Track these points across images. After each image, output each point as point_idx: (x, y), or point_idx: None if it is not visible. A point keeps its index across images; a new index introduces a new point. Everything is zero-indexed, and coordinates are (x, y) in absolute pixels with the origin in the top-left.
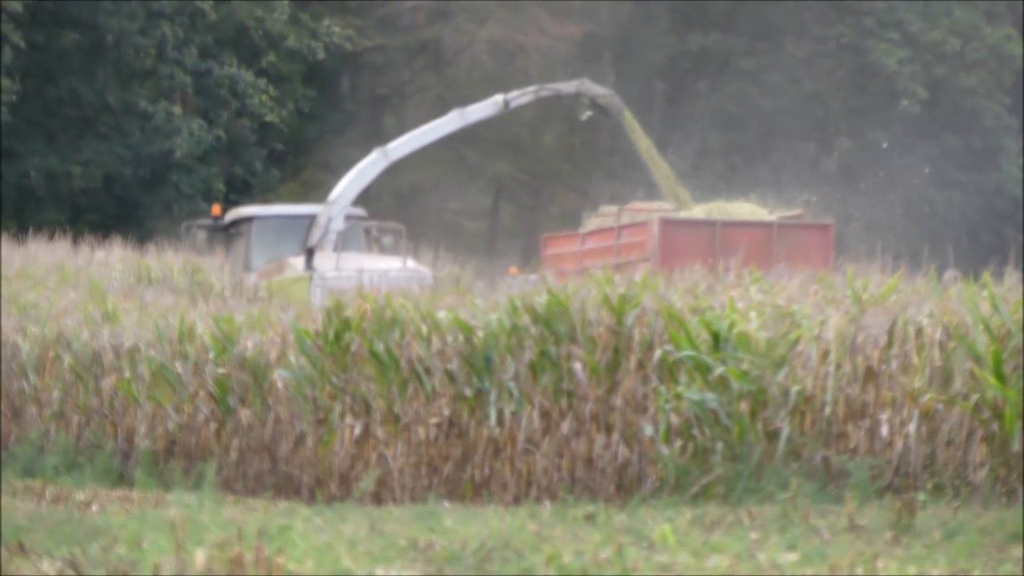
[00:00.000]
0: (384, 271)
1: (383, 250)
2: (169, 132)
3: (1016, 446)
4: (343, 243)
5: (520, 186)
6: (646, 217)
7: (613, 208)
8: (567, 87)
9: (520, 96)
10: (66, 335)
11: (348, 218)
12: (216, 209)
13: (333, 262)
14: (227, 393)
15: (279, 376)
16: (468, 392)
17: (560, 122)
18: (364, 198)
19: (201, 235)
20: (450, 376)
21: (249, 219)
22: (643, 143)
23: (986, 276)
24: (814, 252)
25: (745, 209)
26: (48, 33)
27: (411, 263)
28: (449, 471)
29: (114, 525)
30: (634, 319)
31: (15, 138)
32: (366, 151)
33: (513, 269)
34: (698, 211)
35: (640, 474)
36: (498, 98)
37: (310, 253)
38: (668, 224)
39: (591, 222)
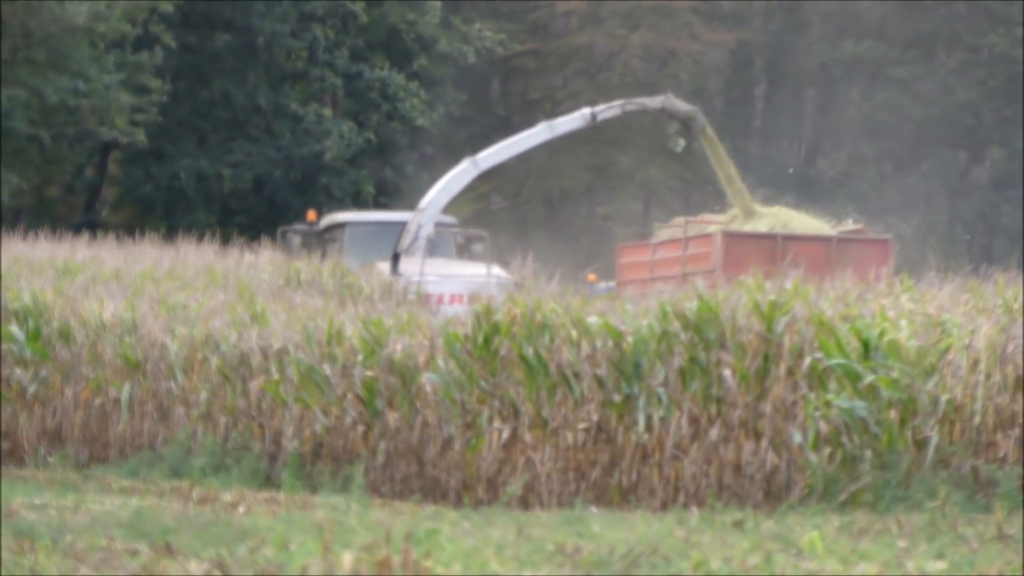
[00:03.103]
0: (469, 276)
1: (472, 256)
2: (319, 135)
3: None
4: (432, 249)
5: (670, 192)
6: (712, 229)
7: (683, 219)
8: (652, 102)
9: (607, 109)
10: (214, 336)
11: (438, 225)
12: (311, 215)
13: (418, 267)
14: (375, 396)
15: (427, 379)
16: (617, 397)
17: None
18: (513, 200)
19: (296, 240)
20: (599, 381)
21: (343, 225)
22: (722, 162)
23: None
24: (873, 265)
25: (807, 222)
26: (200, 34)
27: (495, 269)
28: (597, 476)
29: (261, 527)
30: (784, 326)
31: (166, 139)
32: (517, 156)
33: (591, 276)
34: (764, 220)
35: (788, 481)
36: (585, 111)
37: (396, 258)
38: (731, 237)
39: (662, 233)
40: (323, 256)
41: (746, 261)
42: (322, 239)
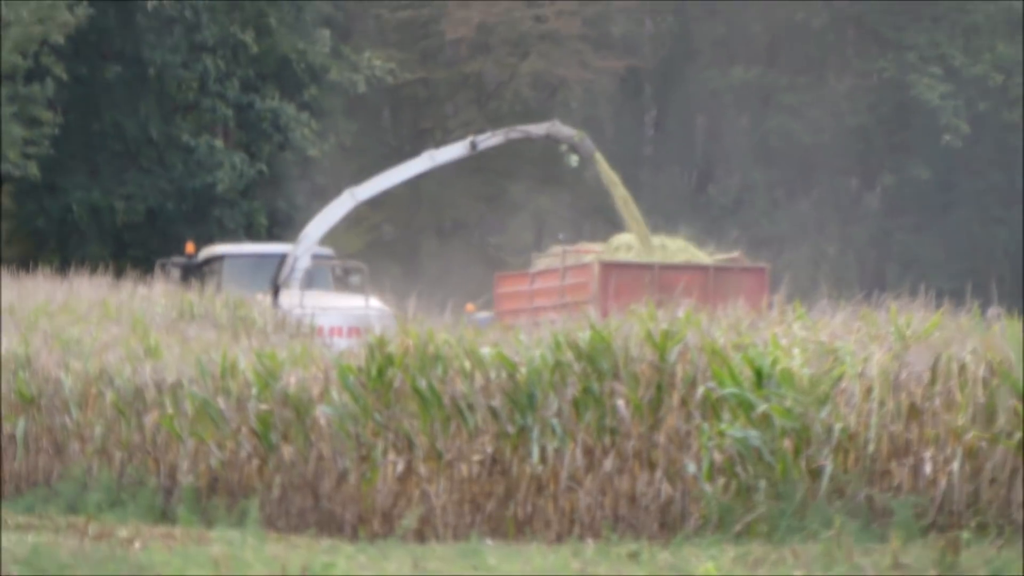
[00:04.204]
0: (347, 309)
1: (349, 288)
2: (211, 166)
3: None
4: (309, 281)
5: (562, 221)
6: (589, 259)
7: (560, 248)
8: (537, 129)
9: (489, 138)
10: (108, 371)
11: (315, 257)
12: (190, 247)
13: (297, 299)
14: (270, 429)
15: (322, 412)
16: (511, 429)
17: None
18: (405, 231)
19: (175, 272)
20: (493, 413)
21: (221, 257)
22: (616, 187)
23: None
24: (750, 294)
25: (693, 253)
26: (91, 66)
27: (373, 301)
28: (492, 508)
29: (157, 562)
30: (677, 355)
31: (58, 171)
32: (409, 186)
33: (470, 306)
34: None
35: (683, 512)
36: (467, 140)
37: (276, 290)
38: (607, 266)
39: (540, 262)
40: (202, 289)
41: (624, 290)
42: (201, 271)
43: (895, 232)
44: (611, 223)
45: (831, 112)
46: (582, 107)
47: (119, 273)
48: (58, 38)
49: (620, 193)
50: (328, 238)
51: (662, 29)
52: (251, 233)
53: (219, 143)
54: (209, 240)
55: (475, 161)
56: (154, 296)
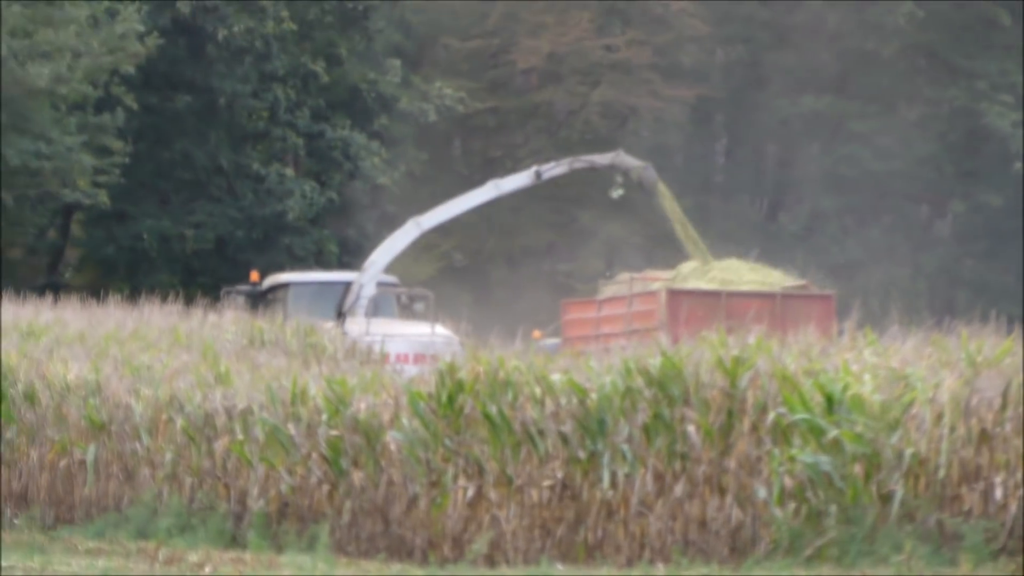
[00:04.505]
0: (413, 336)
1: (414, 315)
2: (281, 194)
3: None
4: (375, 309)
5: (632, 248)
6: (656, 286)
7: (627, 276)
8: (602, 159)
9: (554, 168)
10: (179, 397)
11: (380, 284)
12: (255, 275)
13: (364, 327)
14: (340, 455)
15: (392, 438)
16: (581, 454)
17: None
18: (475, 258)
19: (240, 300)
20: (563, 438)
21: (286, 285)
22: (677, 217)
23: None
24: (817, 321)
25: (760, 274)
26: (161, 95)
27: (439, 328)
28: (562, 533)
29: None
30: (748, 381)
31: (128, 200)
32: (479, 214)
33: (537, 333)
34: (717, 273)
35: (754, 536)
36: (532, 170)
37: (341, 318)
38: (675, 294)
39: (607, 289)
40: (266, 317)
41: (691, 318)
42: (265, 299)
43: (965, 259)
44: (681, 251)
45: (902, 140)
46: (652, 136)
47: (189, 301)
48: (129, 68)
49: (679, 218)
50: (398, 266)
51: (732, 58)
52: (321, 261)
53: (289, 172)
54: (279, 268)
55: (545, 189)
56: (224, 323)
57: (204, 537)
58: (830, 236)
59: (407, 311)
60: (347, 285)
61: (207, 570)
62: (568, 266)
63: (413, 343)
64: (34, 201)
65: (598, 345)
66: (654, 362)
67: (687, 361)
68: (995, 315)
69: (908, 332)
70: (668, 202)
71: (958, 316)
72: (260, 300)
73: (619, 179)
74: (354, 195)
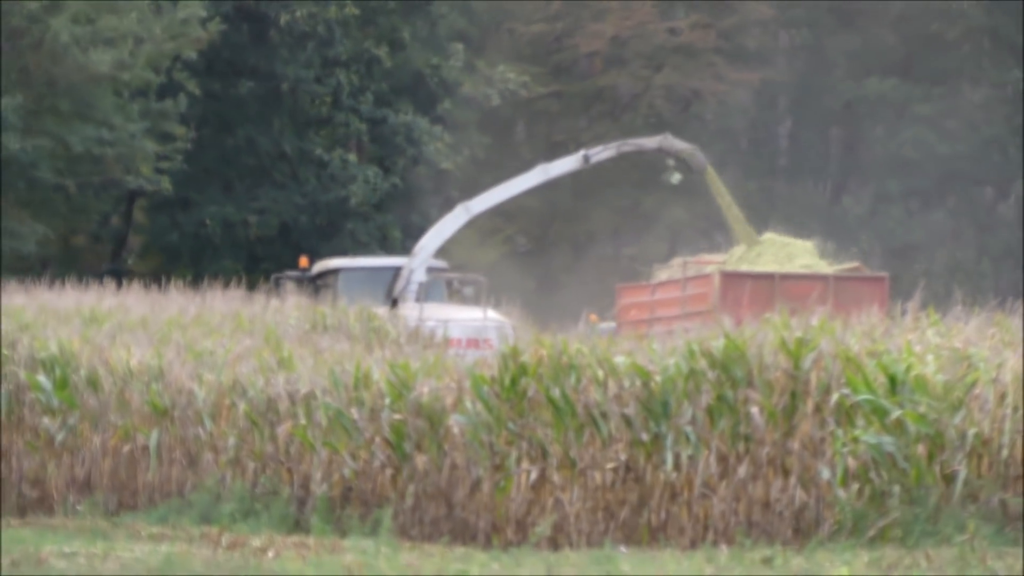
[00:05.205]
0: (465, 320)
1: (464, 300)
2: (345, 180)
3: None
4: (426, 294)
5: (696, 232)
6: (710, 269)
7: (681, 260)
8: (649, 142)
9: (602, 151)
10: (241, 382)
11: (430, 270)
12: (304, 261)
13: (417, 312)
14: (403, 439)
15: (455, 422)
16: (645, 437)
17: (736, 168)
18: (539, 243)
19: (289, 286)
20: (627, 421)
21: (336, 271)
22: (724, 199)
23: None
24: (870, 303)
25: (802, 248)
26: (224, 81)
27: (491, 313)
28: (626, 515)
29: (291, 571)
30: (811, 363)
31: (192, 187)
32: (542, 198)
33: (593, 316)
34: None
35: (817, 517)
36: (580, 154)
37: (394, 303)
38: (728, 277)
39: (661, 274)
40: (316, 302)
41: (744, 300)
42: (315, 285)
43: None
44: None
45: (966, 122)
46: (716, 119)
47: (252, 286)
48: (191, 54)
49: (727, 201)
50: (461, 251)
51: (796, 42)
52: (385, 246)
53: (353, 157)
54: (342, 254)
55: (609, 173)
56: (286, 308)
57: (267, 522)
58: (895, 219)
59: (457, 296)
60: (397, 270)
61: (270, 555)
62: (632, 250)
63: (466, 328)
64: (97, 188)
65: (651, 329)
66: (717, 344)
67: (750, 343)
68: None
69: (971, 313)
70: (717, 185)
71: (1022, 297)
72: (310, 286)
73: (671, 163)
74: (417, 180)
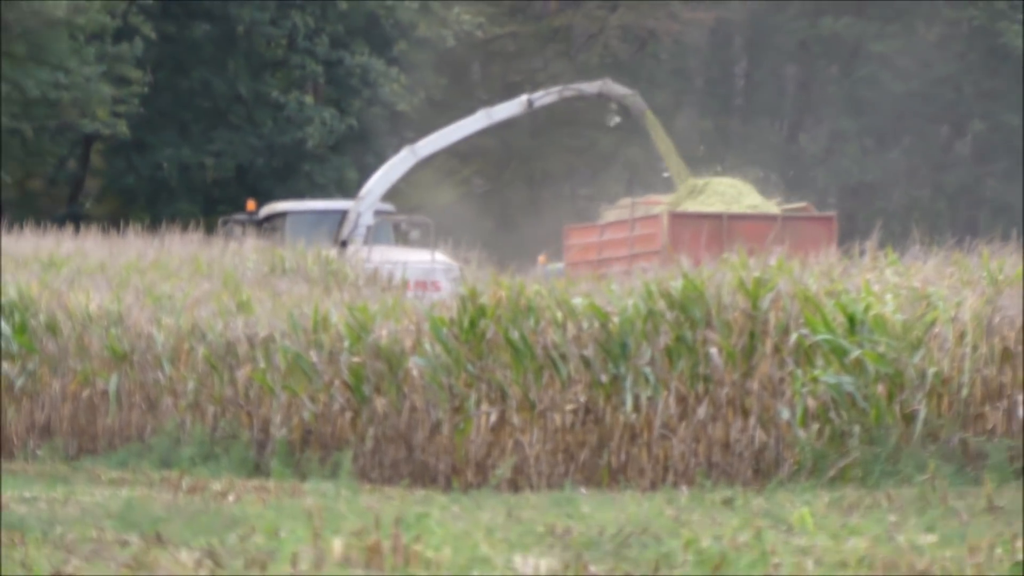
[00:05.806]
0: (413, 263)
1: (410, 243)
2: (301, 122)
3: None
4: (373, 237)
5: (654, 173)
6: (658, 210)
7: (629, 200)
8: (590, 87)
9: (544, 96)
10: (200, 326)
11: (377, 213)
12: (251, 204)
13: (364, 255)
14: (362, 382)
15: (414, 364)
16: (604, 378)
17: (692, 107)
18: (495, 183)
19: (237, 229)
20: (586, 362)
21: (283, 214)
22: (664, 144)
23: None
24: (818, 243)
25: (751, 199)
26: (179, 24)
27: (439, 256)
28: (585, 457)
29: (251, 515)
30: (769, 303)
31: (147, 130)
32: (498, 138)
33: (542, 257)
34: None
35: (777, 458)
36: (523, 98)
37: (343, 246)
38: (677, 217)
39: (609, 214)
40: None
41: (692, 241)
42: (262, 228)
43: (986, 179)
44: (697, 175)
45: (921, 60)
46: (672, 59)
47: (209, 230)
48: None
49: (665, 145)
50: (417, 192)
51: None
52: (342, 188)
53: (309, 99)
54: (299, 196)
55: (564, 113)
56: (245, 251)
57: (227, 466)
58: (850, 157)
59: (402, 239)
60: (344, 213)
61: (231, 498)
62: (589, 190)
63: (414, 271)
64: (53, 132)
65: (600, 270)
66: (675, 285)
67: (708, 283)
68: (1016, 234)
69: (929, 252)
70: (656, 130)
71: (979, 235)
72: (258, 229)
73: (612, 106)
74: (373, 122)
